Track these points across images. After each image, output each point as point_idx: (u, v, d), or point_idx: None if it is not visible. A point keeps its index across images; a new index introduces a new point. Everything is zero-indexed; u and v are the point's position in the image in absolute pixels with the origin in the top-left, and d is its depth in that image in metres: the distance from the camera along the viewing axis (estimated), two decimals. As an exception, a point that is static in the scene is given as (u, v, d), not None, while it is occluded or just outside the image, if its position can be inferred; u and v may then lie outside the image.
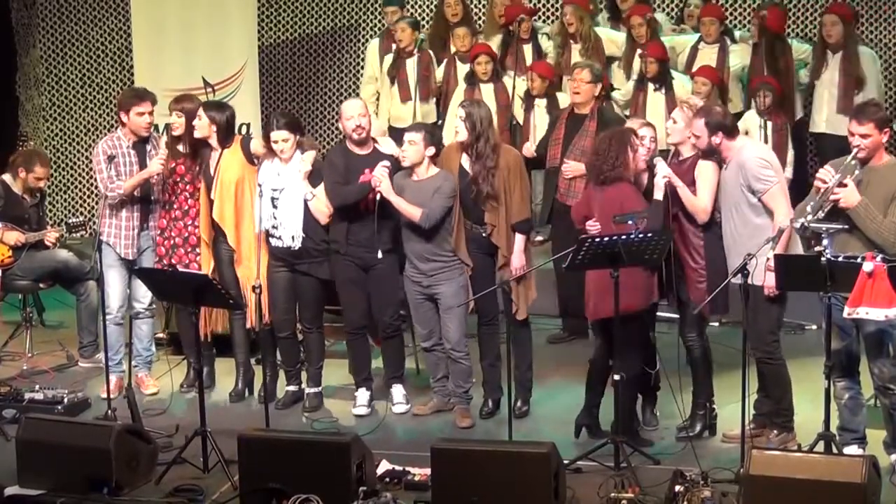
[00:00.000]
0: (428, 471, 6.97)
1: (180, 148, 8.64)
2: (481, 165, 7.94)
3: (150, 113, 8.66)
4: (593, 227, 7.63)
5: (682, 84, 10.46)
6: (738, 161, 7.38)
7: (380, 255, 8.11)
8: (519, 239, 8.07)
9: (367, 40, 12.57)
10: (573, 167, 9.09)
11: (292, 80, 13.01)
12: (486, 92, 10.45)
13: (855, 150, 6.99)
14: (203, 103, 8.70)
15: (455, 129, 8.04)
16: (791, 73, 10.70)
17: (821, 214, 6.91)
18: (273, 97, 12.87)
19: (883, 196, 6.93)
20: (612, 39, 11.02)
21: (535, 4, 12.05)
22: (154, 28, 11.53)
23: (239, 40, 11.53)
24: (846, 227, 6.95)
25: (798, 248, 7.39)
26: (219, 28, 11.45)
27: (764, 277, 7.19)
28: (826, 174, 7.00)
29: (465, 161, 8.06)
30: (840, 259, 6.82)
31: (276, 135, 8.19)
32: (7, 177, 9.62)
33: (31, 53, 13.10)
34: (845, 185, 6.92)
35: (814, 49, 10.77)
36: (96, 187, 11.89)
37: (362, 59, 12.70)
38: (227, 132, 8.51)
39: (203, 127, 8.45)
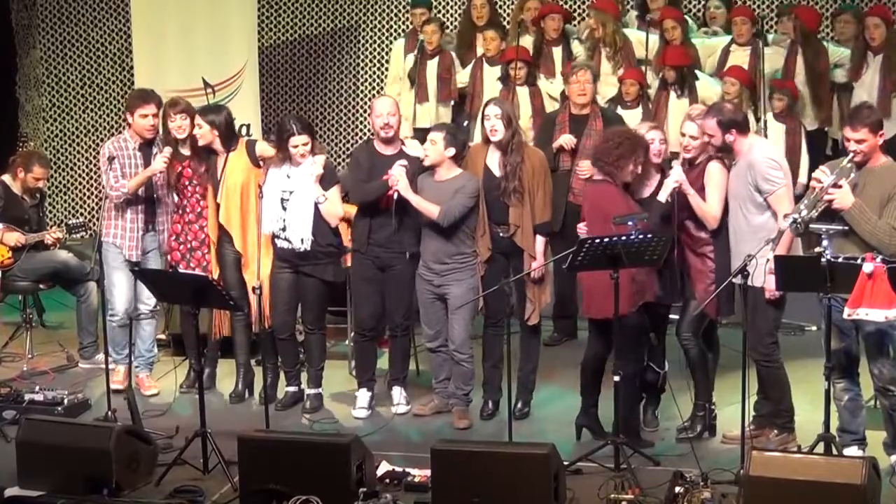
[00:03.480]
0: (428, 472, 6.97)
1: (184, 151, 8.64)
2: (514, 160, 7.96)
3: (155, 115, 8.66)
4: (581, 230, 7.69)
5: (707, 86, 10.42)
6: (748, 160, 7.40)
7: (407, 255, 8.13)
8: (540, 241, 8.10)
9: (367, 41, 12.57)
10: (588, 167, 9.10)
11: (292, 81, 13.01)
12: (522, 95, 10.42)
13: (851, 155, 7.00)
14: (198, 110, 8.69)
15: (492, 129, 8.02)
16: (825, 76, 10.66)
17: (814, 213, 6.92)
18: (273, 98, 12.87)
19: (878, 197, 6.94)
20: (641, 41, 10.98)
21: (569, 6, 12.01)
22: (154, 29, 11.53)
23: (239, 41, 11.53)
24: (845, 228, 6.96)
25: (799, 250, 7.40)
26: (219, 29, 11.45)
27: (764, 279, 7.20)
28: (821, 174, 7.01)
29: (491, 161, 8.07)
30: (840, 260, 6.83)
31: (297, 139, 8.20)
32: (7, 177, 9.63)
33: (31, 54, 13.10)
34: (840, 187, 6.93)
35: (853, 51, 10.72)
36: (98, 188, 11.95)
37: (362, 60, 12.72)
38: (228, 134, 8.52)
39: (205, 134, 8.46)
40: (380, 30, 12.65)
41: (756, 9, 11.81)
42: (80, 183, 13.26)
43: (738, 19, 10.79)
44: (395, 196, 7.99)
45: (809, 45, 10.66)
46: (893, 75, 10.46)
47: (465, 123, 10.79)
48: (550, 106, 10.63)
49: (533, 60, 10.72)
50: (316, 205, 8.23)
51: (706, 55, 10.90)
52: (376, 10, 12.68)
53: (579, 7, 12.24)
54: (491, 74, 10.86)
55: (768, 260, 7.07)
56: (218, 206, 8.51)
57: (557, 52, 10.99)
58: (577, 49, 11.06)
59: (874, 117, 7.04)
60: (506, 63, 10.64)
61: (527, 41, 10.91)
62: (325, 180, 8.26)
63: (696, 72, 10.54)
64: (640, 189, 7.73)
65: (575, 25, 11.72)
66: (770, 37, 11.13)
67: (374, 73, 12.74)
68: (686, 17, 11.31)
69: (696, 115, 7.71)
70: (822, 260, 6.78)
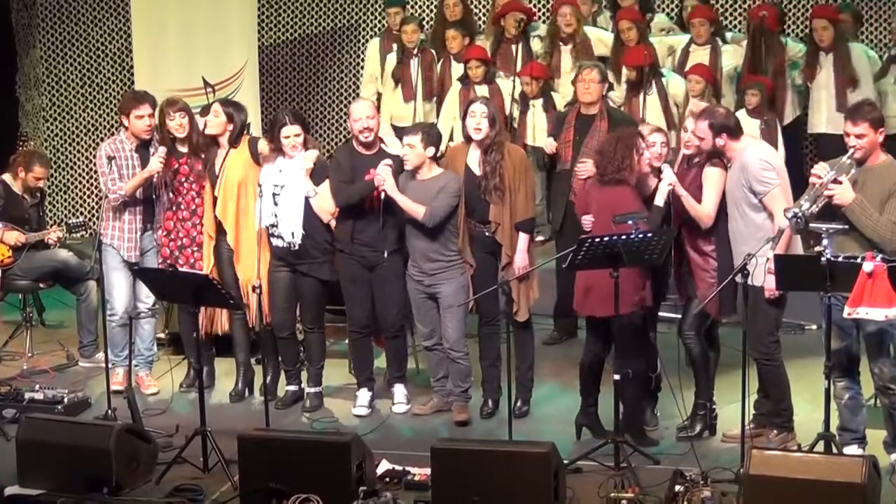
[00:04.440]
0: (428, 471, 6.97)
1: (181, 148, 8.63)
2: (494, 158, 7.97)
3: (151, 115, 8.65)
4: (588, 221, 7.66)
5: (675, 83, 10.45)
6: (741, 162, 7.40)
7: (385, 255, 8.12)
8: (522, 238, 8.08)
9: (367, 40, 12.57)
10: (588, 168, 9.10)
11: (292, 80, 13.02)
12: (481, 93, 10.43)
13: (851, 151, 6.99)
14: (221, 100, 8.73)
15: (477, 127, 8.02)
16: (783, 71, 10.72)
17: (815, 208, 6.91)
18: (273, 97, 12.87)
19: (879, 194, 6.94)
20: (601, 39, 11.02)
21: (532, 4, 12.05)
22: (154, 28, 11.53)
23: (239, 40, 11.53)
24: (845, 227, 6.96)
25: (799, 249, 7.40)
26: (219, 28, 11.45)
27: (764, 279, 7.20)
28: (821, 170, 7.01)
29: (472, 160, 8.08)
30: (840, 259, 6.83)
31: (289, 130, 8.20)
32: (7, 177, 9.63)
33: (31, 53, 13.10)
34: (840, 183, 6.92)
35: (806, 52, 10.80)
36: (97, 188, 11.95)
37: (362, 59, 12.70)
38: (239, 133, 8.52)
39: (219, 124, 8.46)
40: (379, 29, 12.63)
41: (722, 9, 11.88)
42: (80, 182, 13.26)
43: (696, 21, 10.88)
44: (382, 196, 7.99)
45: (765, 43, 10.68)
46: (846, 72, 10.51)
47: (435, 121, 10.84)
48: (512, 104, 10.63)
49: (491, 59, 10.74)
50: (307, 200, 8.23)
51: (665, 54, 10.94)
52: (376, 10, 12.68)
53: (538, 5, 12.22)
54: (458, 72, 10.90)
55: (768, 259, 7.07)
56: (215, 199, 8.51)
57: (516, 50, 11.00)
58: (537, 46, 11.08)
59: (875, 113, 7.03)
60: (465, 62, 10.68)
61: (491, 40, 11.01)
62: (317, 175, 8.25)
63: (662, 70, 10.56)
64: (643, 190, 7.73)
65: (543, 22, 11.73)
66: (728, 35, 11.20)
67: (374, 72, 12.74)
68: (657, 16, 11.37)
69: (699, 113, 7.71)
70: (822, 259, 6.78)
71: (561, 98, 10.50)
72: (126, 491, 7.10)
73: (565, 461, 7.02)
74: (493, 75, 10.73)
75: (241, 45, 11.54)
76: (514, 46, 11.03)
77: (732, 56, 10.88)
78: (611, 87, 10.55)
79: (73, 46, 13.09)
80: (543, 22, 11.79)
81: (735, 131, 7.50)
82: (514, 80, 10.68)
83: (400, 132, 10.28)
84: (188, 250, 8.66)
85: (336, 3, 12.84)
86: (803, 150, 11.08)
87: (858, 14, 11.24)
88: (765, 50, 10.63)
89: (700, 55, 10.75)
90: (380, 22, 12.59)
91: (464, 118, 8.17)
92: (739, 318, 7.51)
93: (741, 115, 10.25)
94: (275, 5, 12.92)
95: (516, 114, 10.58)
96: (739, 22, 11.87)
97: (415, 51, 11.11)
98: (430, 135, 8.08)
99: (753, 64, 10.64)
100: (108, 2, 12.95)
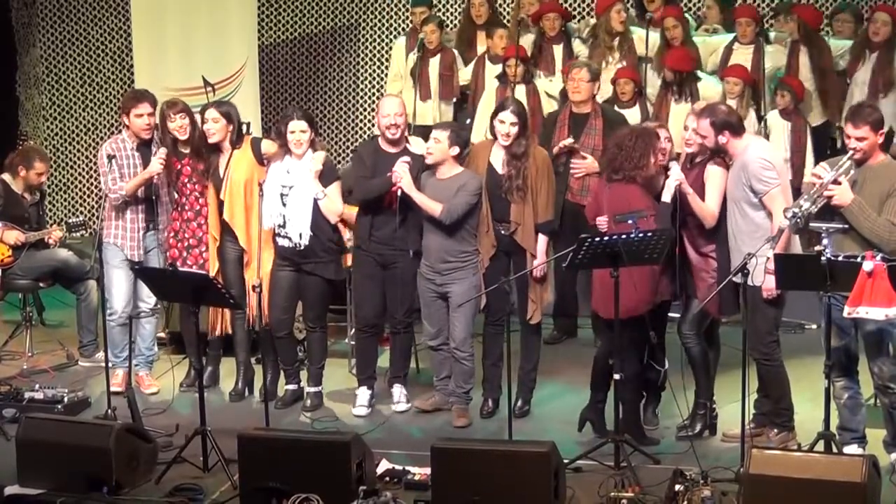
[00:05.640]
0: (428, 470, 6.97)
1: (183, 149, 8.62)
2: (521, 159, 7.96)
3: (150, 114, 8.64)
4: (602, 223, 7.66)
5: (709, 86, 10.38)
6: (742, 160, 7.40)
7: (411, 253, 8.11)
8: (542, 240, 8.09)
9: (367, 39, 12.58)
10: (586, 164, 9.10)
11: (292, 80, 13.02)
12: (519, 93, 10.39)
13: (851, 152, 7.00)
14: (213, 103, 8.70)
15: (506, 135, 7.99)
16: (830, 72, 10.64)
17: (814, 209, 6.92)
18: (273, 97, 12.88)
19: (878, 194, 6.95)
20: (643, 39, 10.97)
21: (569, 5, 12.02)
22: (154, 27, 11.54)
23: (239, 40, 11.53)
24: (845, 226, 6.96)
25: (798, 248, 7.40)
26: (219, 27, 11.46)
27: (763, 279, 7.20)
28: (821, 170, 7.02)
29: (495, 158, 8.07)
30: (840, 258, 6.83)
31: (295, 125, 8.19)
32: (6, 176, 9.63)
33: (31, 53, 13.11)
34: (839, 184, 6.93)
35: (853, 45, 10.72)
36: (98, 187, 11.95)
37: (362, 59, 12.73)
38: (239, 132, 8.51)
39: (220, 129, 8.44)
40: (380, 28, 12.65)
41: (759, 7, 11.82)
42: (80, 181, 13.27)
43: (743, 20, 10.76)
44: (399, 193, 8.00)
45: (813, 43, 10.64)
46: (885, 74, 10.44)
47: (468, 121, 10.79)
48: (547, 104, 10.62)
49: (530, 58, 10.71)
50: (315, 200, 8.23)
51: (707, 53, 10.88)
52: (376, 9, 12.69)
53: (579, 6, 12.22)
54: (492, 72, 10.86)
55: (768, 259, 7.07)
56: (221, 202, 8.50)
57: (558, 51, 10.99)
58: (579, 48, 11.06)
59: (876, 115, 7.05)
60: (503, 61, 10.65)
61: (528, 39, 10.91)
62: (325, 177, 8.25)
63: (698, 72, 10.51)
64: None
65: (577, 24, 11.71)
66: (771, 35, 11.12)
67: (375, 71, 12.75)
68: (686, 15, 11.32)
69: (700, 111, 7.71)
70: (822, 258, 6.78)
71: (600, 99, 10.39)
72: (126, 490, 7.10)
73: (565, 460, 7.02)
74: (531, 75, 10.70)
75: (240, 44, 11.54)
76: (555, 47, 11.01)
77: (775, 57, 10.74)
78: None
79: (73, 46, 13.10)
80: (577, 22, 11.73)
81: (737, 128, 7.50)
82: (550, 79, 10.64)
83: (417, 130, 10.29)
84: (196, 250, 8.65)
85: (336, 3, 12.84)
86: (827, 152, 10.97)
87: (859, 14, 11.21)
88: (807, 49, 10.56)
89: (743, 55, 10.63)
90: (379, 21, 12.59)
91: (492, 117, 8.15)
92: (739, 317, 7.50)
93: (773, 115, 10.23)
94: (275, 5, 12.93)
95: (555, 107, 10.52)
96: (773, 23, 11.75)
97: (432, 50, 11.09)
98: (459, 136, 8.07)
99: (794, 65, 10.56)
100: (107, 1, 12.96)
